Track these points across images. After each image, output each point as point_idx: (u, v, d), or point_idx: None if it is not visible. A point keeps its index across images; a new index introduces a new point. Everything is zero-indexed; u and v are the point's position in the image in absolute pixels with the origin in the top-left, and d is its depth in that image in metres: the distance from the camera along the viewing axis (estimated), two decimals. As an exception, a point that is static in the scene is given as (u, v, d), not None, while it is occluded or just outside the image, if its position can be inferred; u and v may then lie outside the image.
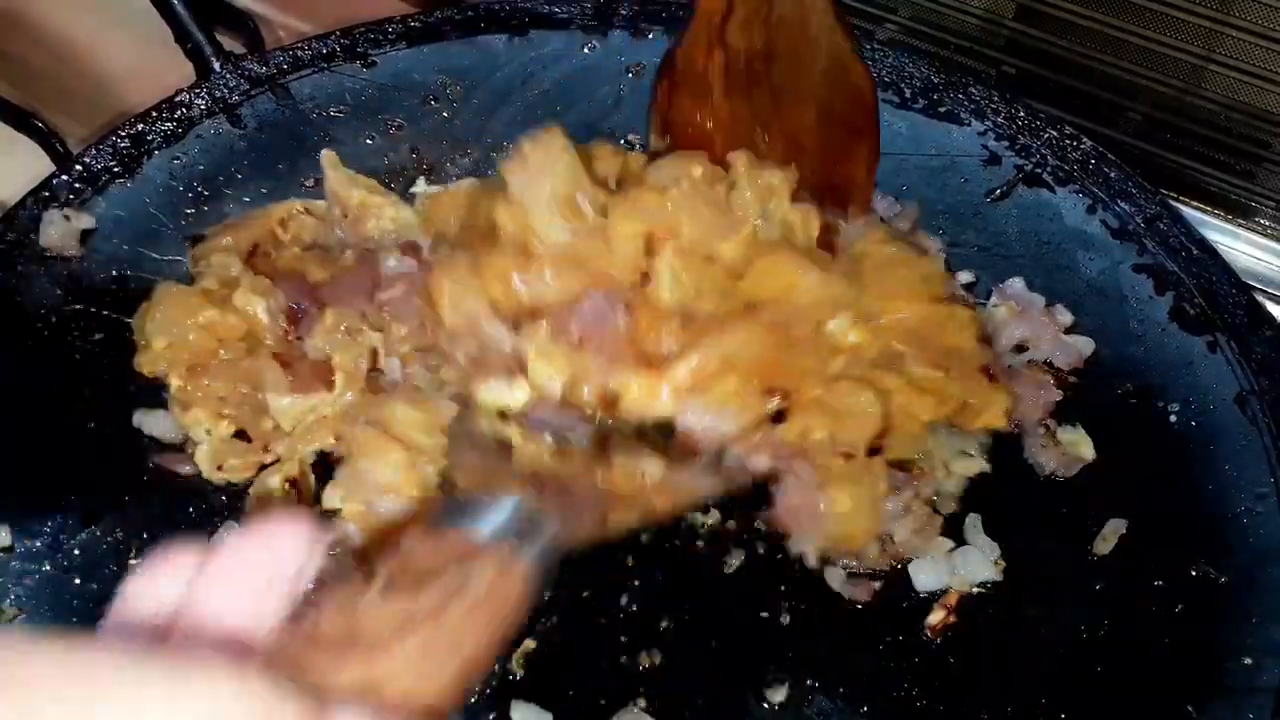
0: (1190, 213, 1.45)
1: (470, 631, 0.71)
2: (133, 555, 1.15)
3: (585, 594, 1.16)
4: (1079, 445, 1.22)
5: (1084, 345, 1.30)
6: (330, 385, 1.21)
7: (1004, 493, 1.22)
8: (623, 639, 1.13)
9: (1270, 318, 1.28)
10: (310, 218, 1.38)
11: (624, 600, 1.16)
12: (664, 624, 1.14)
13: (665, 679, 1.11)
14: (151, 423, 1.23)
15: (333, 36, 1.55)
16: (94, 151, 1.41)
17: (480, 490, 0.93)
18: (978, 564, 1.16)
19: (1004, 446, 1.25)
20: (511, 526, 0.83)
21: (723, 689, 1.11)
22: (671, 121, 1.28)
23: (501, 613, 0.75)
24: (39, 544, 1.15)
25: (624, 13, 1.58)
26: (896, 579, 1.17)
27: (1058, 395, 1.25)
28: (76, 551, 1.15)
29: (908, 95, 1.51)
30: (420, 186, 1.45)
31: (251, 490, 1.19)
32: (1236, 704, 1.05)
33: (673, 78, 1.26)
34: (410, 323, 1.21)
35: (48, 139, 1.54)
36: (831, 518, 1.09)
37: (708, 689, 1.11)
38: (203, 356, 1.22)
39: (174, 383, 1.21)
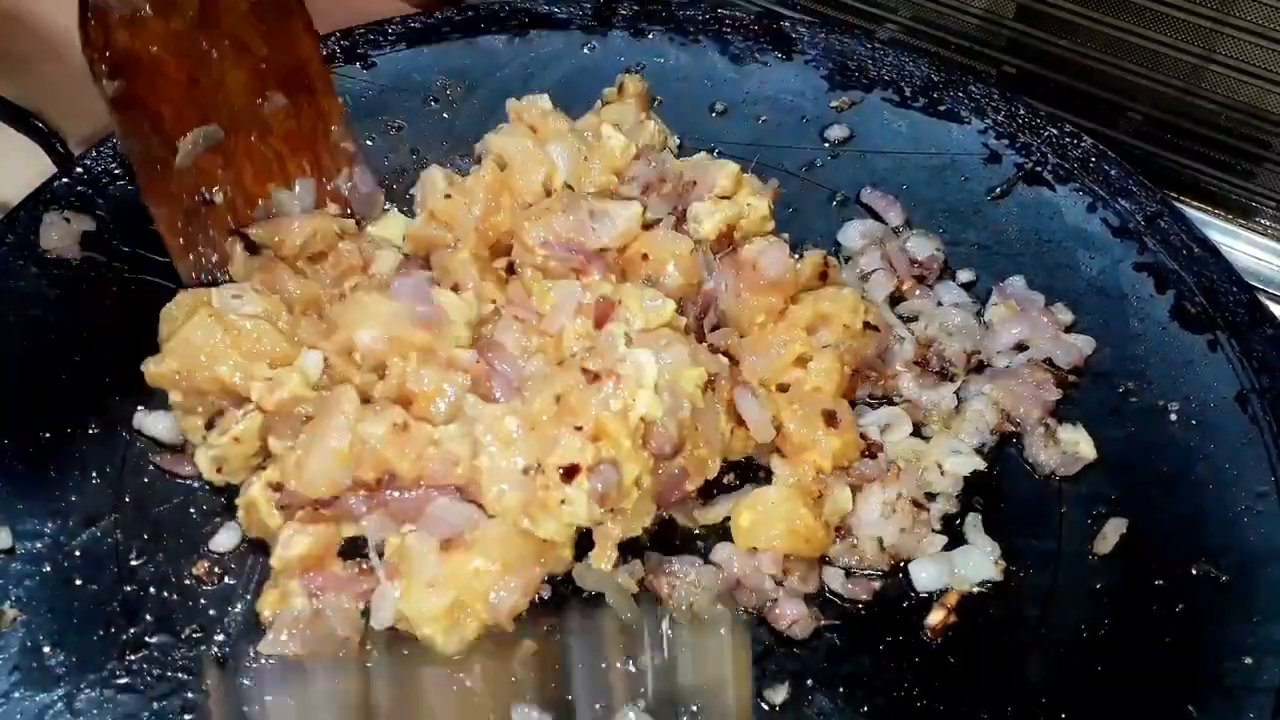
0: (1190, 212, 1.45)
1: None
2: (133, 556, 1.15)
3: (585, 594, 1.16)
4: (1079, 444, 1.22)
5: (1084, 344, 1.30)
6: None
7: (1004, 492, 1.22)
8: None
9: (1271, 316, 1.28)
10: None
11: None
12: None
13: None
14: (151, 423, 1.24)
15: (333, 37, 1.56)
16: (95, 154, 1.42)
17: None
18: (978, 563, 1.15)
19: (1004, 446, 1.25)
20: None
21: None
22: (115, 59, 1.21)
23: None
24: (39, 545, 1.15)
25: (623, 13, 1.58)
26: (896, 579, 1.16)
27: (1057, 394, 1.25)
28: (77, 553, 1.15)
29: (908, 94, 1.51)
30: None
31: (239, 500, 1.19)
32: (1237, 703, 1.05)
33: (100, 15, 1.18)
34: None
35: (48, 139, 1.54)
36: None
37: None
38: (206, 394, 1.21)
39: (174, 397, 1.21)
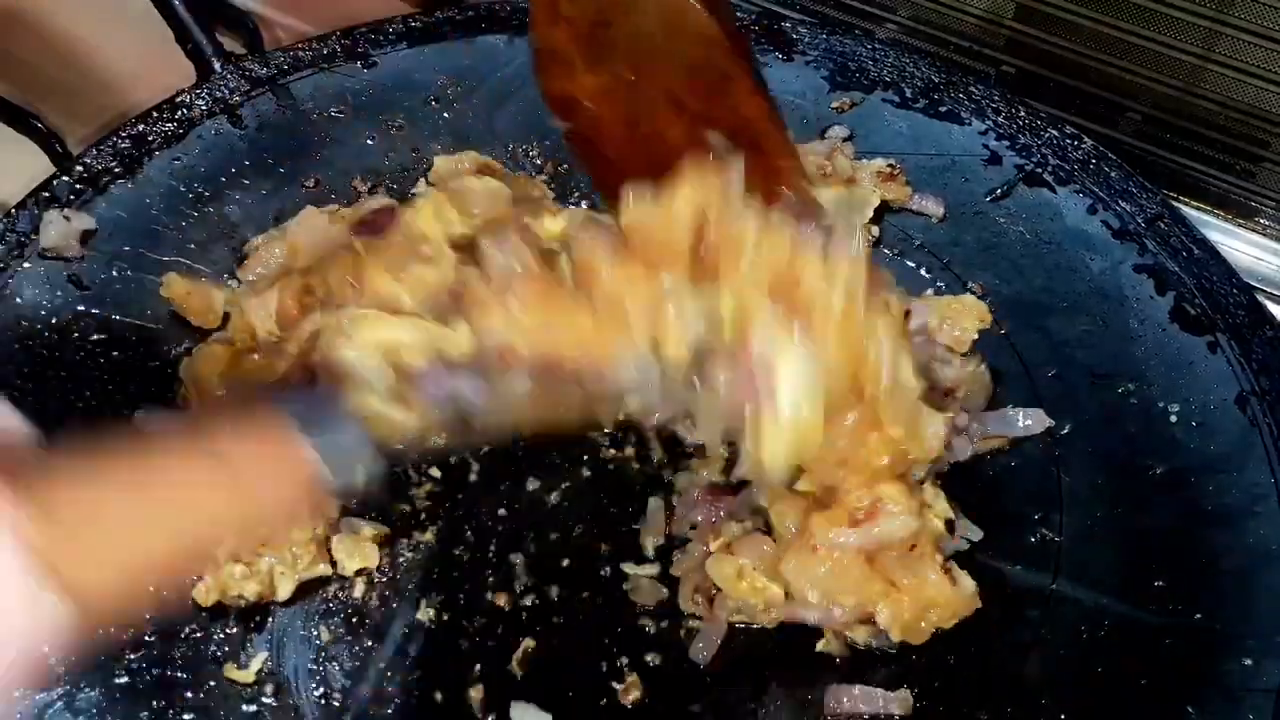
0: (1190, 213, 1.45)
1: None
2: (133, 555, 1.15)
3: (585, 594, 1.16)
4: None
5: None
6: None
7: (1004, 491, 1.22)
8: (622, 640, 1.13)
9: (1271, 318, 1.28)
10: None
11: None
12: (663, 624, 1.15)
13: (665, 680, 1.11)
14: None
15: (333, 36, 1.56)
16: (94, 152, 1.42)
17: None
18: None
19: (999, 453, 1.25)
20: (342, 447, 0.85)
21: (722, 689, 1.11)
22: (559, 103, 1.26)
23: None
24: (39, 544, 1.15)
25: (624, 12, 1.58)
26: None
27: None
28: (77, 552, 1.15)
29: (908, 95, 1.51)
30: (421, 187, 1.45)
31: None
32: (1237, 704, 1.05)
33: (540, 62, 1.24)
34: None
35: (47, 139, 1.54)
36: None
37: (706, 690, 1.11)
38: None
39: None
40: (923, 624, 1.08)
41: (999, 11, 1.52)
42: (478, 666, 1.11)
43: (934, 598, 1.08)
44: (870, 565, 1.08)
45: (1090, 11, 1.44)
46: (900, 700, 1.08)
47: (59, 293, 1.32)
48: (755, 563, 1.11)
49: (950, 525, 1.14)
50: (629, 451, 1.26)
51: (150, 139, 1.43)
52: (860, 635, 1.11)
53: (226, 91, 1.48)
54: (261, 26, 1.72)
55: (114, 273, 1.34)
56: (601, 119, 1.22)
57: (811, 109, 1.50)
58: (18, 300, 1.30)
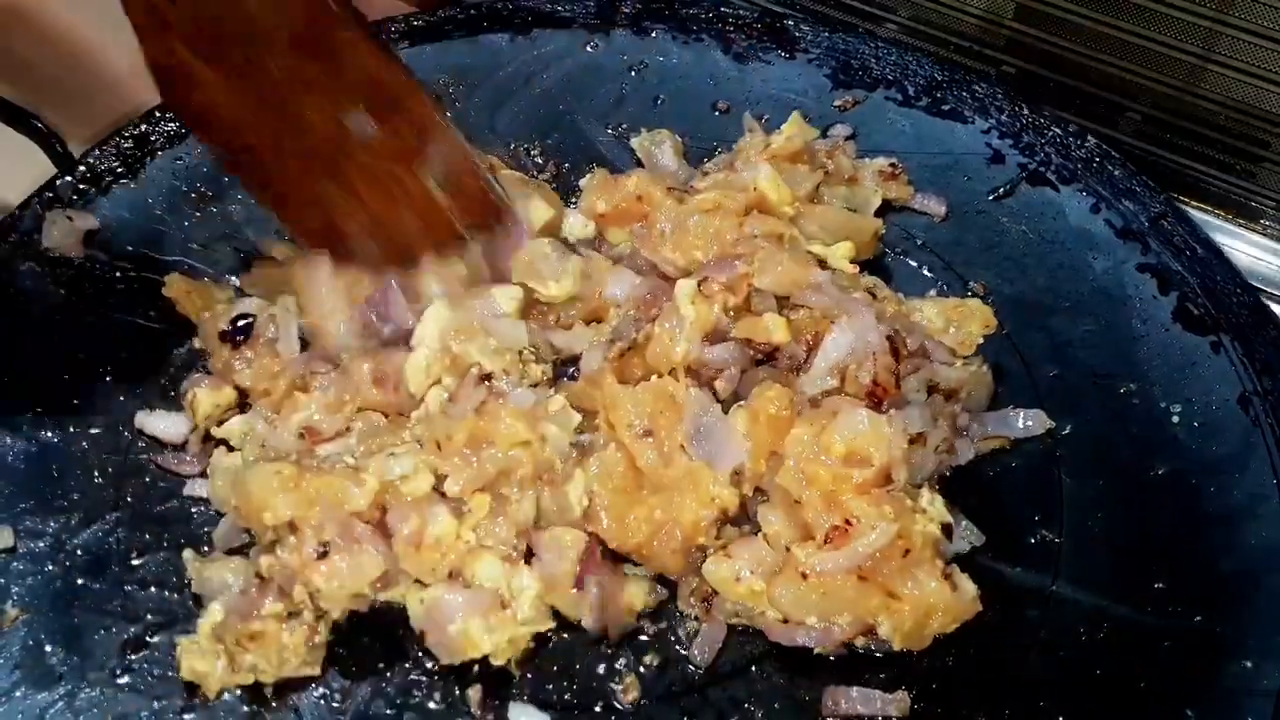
0: (1190, 212, 1.44)
1: None
2: (133, 555, 1.16)
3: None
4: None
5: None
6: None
7: (1005, 493, 1.22)
8: (621, 641, 1.14)
9: (1274, 319, 1.27)
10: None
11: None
12: (662, 626, 1.15)
13: (663, 681, 1.11)
14: (153, 423, 1.24)
15: (335, 36, 1.55)
16: (98, 152, 1.42)
17: None
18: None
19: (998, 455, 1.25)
20: None
21: (720, 690, 1.11)
22: (201, 121, 1.22)
23: None
24: (41, 544, 1.16)
25: (626, 11, 1.58)
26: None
27: None
28: (78, 552, 1.16)
29: (911, 93, 1.50)
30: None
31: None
32: (1236, 706, 1.05)
33: (163, 83, 1.19)
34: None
35: (47, 139, 1.54)
36: None
37: (704, 691, 1.11)
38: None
39: None
40: (924, 631, 1.08)
41: (999, 11, 1.52)
42: (477, 666, 1.12)
43: (935, 604, 1.07)
44: (865, 581, 1.08)
45: (1090, 11, 1.44)
46: (898, 702, 1.08)
47: (61, 292, 1.32)
48: (753, 566, 1.11)
49: (948, 529, 1.13)
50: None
51: (153, 139, 1.43)
52: (860, 640, 1.11)
53: (229, 91, 1.48)
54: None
55: (116, 273, 1.34)
56: (241, 120, 1.19)
57: (814, 107, 1.50)
58: (21, 300, 1.31)
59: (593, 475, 1.15)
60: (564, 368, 1.28)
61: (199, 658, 1.08)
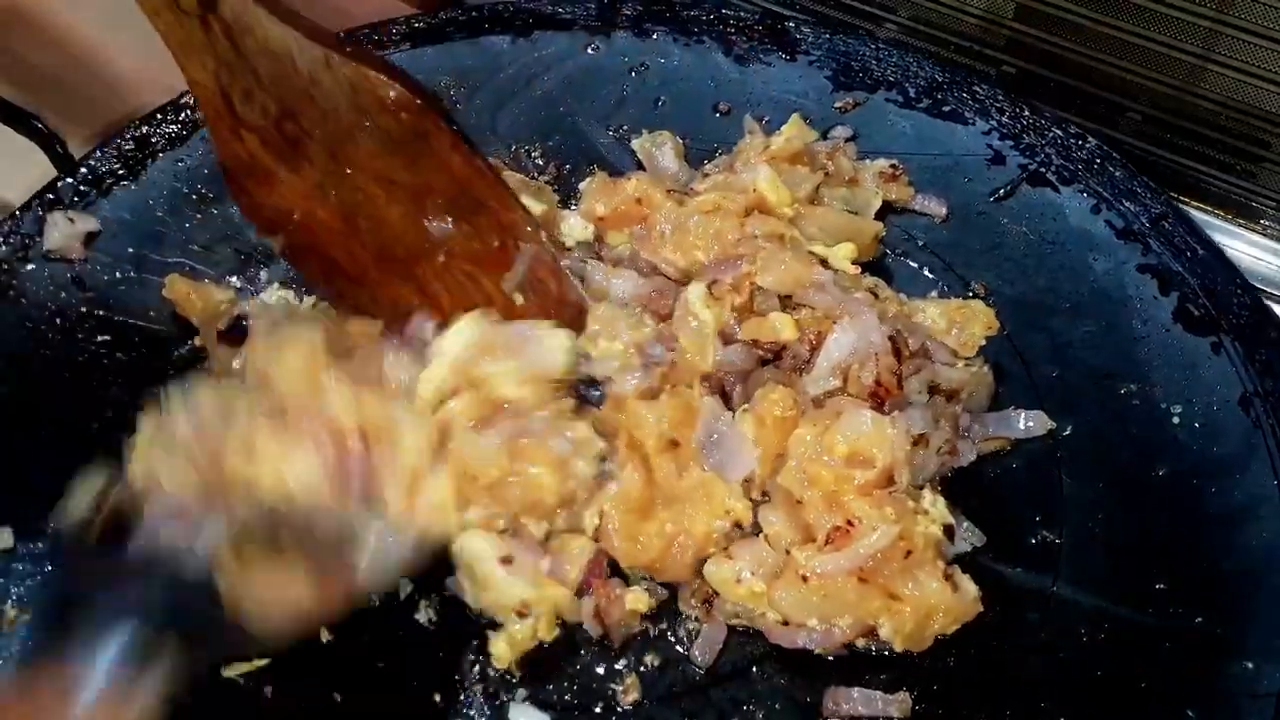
0: (1190, 212, 1.44)
1: None
2: (135, 556, 1.16)
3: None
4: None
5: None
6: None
7: (1006, 494, 1.22)
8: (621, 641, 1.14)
9: (1275, 320, 1.27)
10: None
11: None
12: (662, 625, 1.15)
13: (664, 681, 1.11)
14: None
15: (336, 37, 1.55)
16: (99, 154, 1.42)
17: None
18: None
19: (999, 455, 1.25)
20: (126, 657, 0.87)
21: (721, 691, 1.11)
22: (268, 220, 1.23)
23: None
24: (42, 545, 1.16)
25: (627, 13, 1.58)
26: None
27: None
28: (79, 552, 1.16)
29: (912, 94, 1.50)
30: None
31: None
32: (1237, 707, 1.05)
33: (235, 182, 1.21)
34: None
35: (48, 140, 1.54)
36: None
37: (705, 691, 1.11)
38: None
39: None
40: (926, 632, 1.08)
41: (999, 11, 1.52)
42: (477, 667, 1.12)
43: (936, 605, 1.07)
44: (866, 583, 1.08)
45: (1090, 11, 1.43)
46: (899, 703, 1.08)
47: (63, 294, 1.32)
48: (753, 568, 1.11)
49: (950, 531, 1.13)
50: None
51: (154, 140, 1.43)
52: (861, 641, 1.11)
53: (230, 93, 1.48)
54: (265, 27, 1.71)
55: (117, 274, 1.34)
56: (316, 221, 1.18)
57: (815, 109, 1.50)
58: (22, 301, 1.31)
59: (608, 498, 1.14)
60: (582, 388, 1.23)
61: None
